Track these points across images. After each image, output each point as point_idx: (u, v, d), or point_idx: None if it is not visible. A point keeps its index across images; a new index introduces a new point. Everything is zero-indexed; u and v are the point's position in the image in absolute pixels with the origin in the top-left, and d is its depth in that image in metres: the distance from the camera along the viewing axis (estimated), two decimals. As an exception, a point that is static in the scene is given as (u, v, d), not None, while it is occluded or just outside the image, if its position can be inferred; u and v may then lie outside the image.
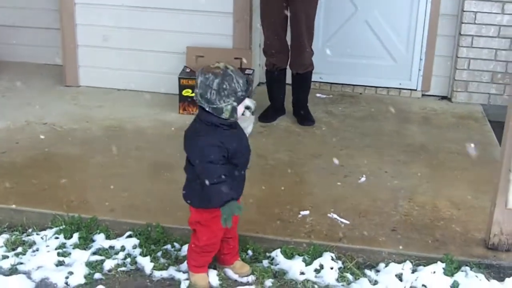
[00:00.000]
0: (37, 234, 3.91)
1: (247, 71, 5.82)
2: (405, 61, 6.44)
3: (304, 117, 5.62)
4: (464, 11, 6.03)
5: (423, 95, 6.46)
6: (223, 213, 2.98)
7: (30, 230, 3.96)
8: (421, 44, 6.34)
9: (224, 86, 2.95)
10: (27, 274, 3.54)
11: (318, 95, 6.41)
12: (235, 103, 3.00)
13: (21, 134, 5.34)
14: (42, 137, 5.22)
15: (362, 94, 6.47)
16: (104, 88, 6.43)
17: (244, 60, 5.85)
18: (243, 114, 4.74)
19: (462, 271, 3.51)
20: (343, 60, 6.52)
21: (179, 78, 5.77)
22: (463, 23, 6.07)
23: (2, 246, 3.78)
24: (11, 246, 3.78)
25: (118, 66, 6.39)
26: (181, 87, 5.77)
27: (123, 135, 5.37)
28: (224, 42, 6.07)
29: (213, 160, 3.00)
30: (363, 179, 4.54)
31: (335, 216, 4.01)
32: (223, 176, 2.99)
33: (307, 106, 5.71)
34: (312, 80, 6.13)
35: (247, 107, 4.96)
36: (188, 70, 5.93)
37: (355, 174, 4.62)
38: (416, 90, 6.47)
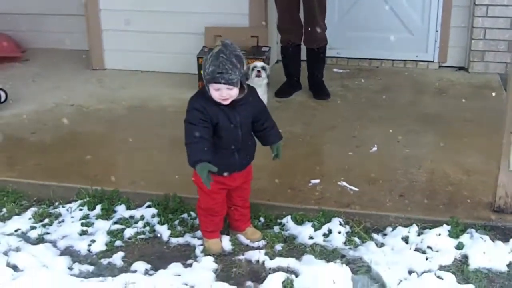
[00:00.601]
0: (62, 206, 4.14)
1: (263, 49, 5.99)
2: (421, 33, 6.56)
3: (319, 91, 5.76)
4: (478, -20, 6.10)
5: (440, 66, 6.56)
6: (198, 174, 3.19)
7: (56, 203, 4.19)
8: (437, 15, 6.46)
9: (204, 61, 3.21)
10: (53, 243, 3.76)
11: (335, 70, 6.55)
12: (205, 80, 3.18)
13: (49, 115, 5.61)
14: (66, 119, 5.43)
15: (379, 68, 6.59)
16: (128, 70, 6.69)
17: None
18: (258, 76, 4.94)
19: (467, 233, 3.61)
20: (359, 35, 6.67)
21: (198, 57, 5.97)
22: (477, -8, 6.14)
23: (30, 218, 4.01)
24: (39, 218, 4.01)
25: (140, 48, 6.64)
26: (200, 66, 5.95)
27: (146, 113, 5.59)
28: (241, 21, 6.26)
29: (192, 121, 3.21)
30: (374, 148, 4.67)
31: (344, 183, 4.16)
32: (195, 138, 3.19)
33: (322, 80, 5.84)
34: (329, 55, 6.31)
35: (263, 68, 5.06)
36: (206, 49, 6.11)
37: (367, 144, 4.75)
38: (433, 61, 6.58)
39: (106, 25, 6.72)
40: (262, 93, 4.88)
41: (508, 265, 3.36)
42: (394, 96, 5.80)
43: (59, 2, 7.40)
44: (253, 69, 5.04)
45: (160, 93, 6.01)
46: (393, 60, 6.64)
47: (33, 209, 4.12)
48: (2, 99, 5.72)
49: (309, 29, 5.58)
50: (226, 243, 3.63)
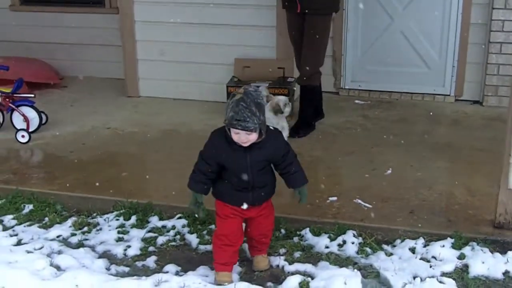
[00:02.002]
0: (100, 217, 4.54)
1: (289, 79, 6.39)
2: (439, 68, 6.89)
3: (294, 127, 5.92)
4: (492, 19, 6.48)
5: (456, 100, 6.89)
6: None
7: (94, 214, 4.59)
8: (454, 52, 6.79)
9: (226, 104, 3.43)
10: (92, 247, 4.15)
11: (356, 101, 6.93)
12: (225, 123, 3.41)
13: (87, 137, 6.06)
14: (105, 139, 5.87)
15: (398, 100, 6.94)
16: (161, 98, 7.11)
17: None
18: (281, 113, 5.33)
19: (469, 246, 3.93)
20: (380, 69, 7.02)
21: (227, 86, 6.38)
22: (492, 31, 6.51)
23: (70, 226, 4.42)
24: (78, 226, 4.41)
25: (173, 77, 7.07)
26: (229, 95, 6.34)
27: (177, 137, 6.00)
28: (268, 53, 6.67)
29: (203, 155, 3.58)
30: (389, 171, 5.02)
31: (359, 201, 4.52)
32: (197, 171, 3.59)
33: (302, 118, 6.05)
34: (351, 87, 6.72)
35: (285, 104, 5.43)
36: (235, 79, 6.54)
37: (383, 167, 5.09)
38: (449, 95, 6.91)
39: (141, 55, 7.17)
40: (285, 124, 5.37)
41: (504, 273, 3.69)
42: (411, 126, 6.15)
43: (96, 33, 7.89)
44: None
45: (191, 119, 6.42)
46: (411, 93, 6.98)
47: (73, 218, 4.53)
48: (43, 121, 6.16)
49: (300, 66, 5.94)
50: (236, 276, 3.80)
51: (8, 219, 4.53)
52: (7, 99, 6.04)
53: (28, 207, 4.67)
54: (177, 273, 3.79)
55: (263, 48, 6.69)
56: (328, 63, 6.87)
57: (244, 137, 3.37)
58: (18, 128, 5.91)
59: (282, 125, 5.34)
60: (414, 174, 4.99)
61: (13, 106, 5.97)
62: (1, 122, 6.19)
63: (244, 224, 3.75)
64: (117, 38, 7.42)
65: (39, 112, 6.08)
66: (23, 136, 5.86)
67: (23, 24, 8.05)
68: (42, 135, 6.05)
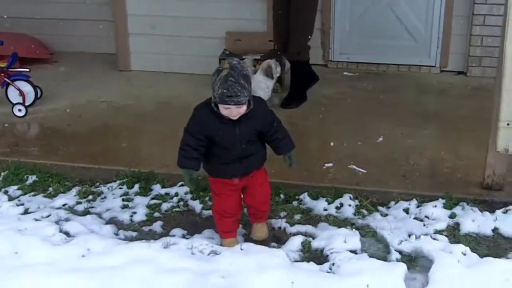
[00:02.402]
0: (103, 186, 4.69)
1: (279, 52, 6.52)
2: (425, 40, 7.07)
3: (285, 99, 6.15)
4: (476, -8, 6.65)
5: (441, 71, 7.08)
6: None
7: (97, 184, 4.73)
8: (439, 24, 6.96)
9: (212, 80, 3.39)
10: (98, 215, 4.31)
11: (345, 73, 7.10)
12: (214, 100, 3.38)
13: (83, 110, 6.17)
14: (101, 112, 6.00)
15: (386, 72, 7.12)
16: (153, 72, 7.21)
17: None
18: (271, 75, 5.51)
19: (459, 206, 4.16)
20: (368, 41, 7.17)
21: (219, 59, 6.50)
22: (475, 3, 6.68)
23: (75, 195, 4.55)
24: (83, 195, 4.55)
25: (165, 51, 7.16)
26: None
27: (171, 109, 6.12)
28: (259, 27, 6.79)
29: (189, 130, 3.53)
30: (380, 139, 5.21)
31: (354, 166, 4.71)
32: (186, 147, 3.51)
33: (293, 90, 6.22)
34: (340, 60, 6.90)
35: (276, 65, 5.73)
36: (227, 52, 6.66)
37: (374, 135, 5.28)
38: (435, 66, 7.10)
39: (132, 29, 7.26)
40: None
41: (493, 230, 3.93)
42: (399, 96, 6.33)
43: (87, 8, 7.93)
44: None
45: (184, 92, 6.54)
46: (398, 65, 7.15)
47: (77, 188, 4.67)
48: (38, 95, 6.25)
49: (287, 41, 6.06)
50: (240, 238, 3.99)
51: (13, 190, 4.66)
52: (2, 74, 6.10)
53: (32, 178, 4.79)
54: (183, 236, 3.97)
55: (254, 22, 6.82)
56: (316, 36, 7.03)
57: (235, 111, 3.37)
58: (14, 102, 5.99)
59: (269, 86, 5.73)
60: (405, 141, 5.19)
61: (9, 81, 6.05)
62: (-3, 96, 6.29)
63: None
64: (106, 13, 7.48)
65: (34, 86, 6.16)
66: (19, 110, 5.95)
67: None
68: (38, 109, 6.14)
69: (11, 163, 4.97)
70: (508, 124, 3.99)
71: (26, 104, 6.01)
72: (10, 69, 6.14)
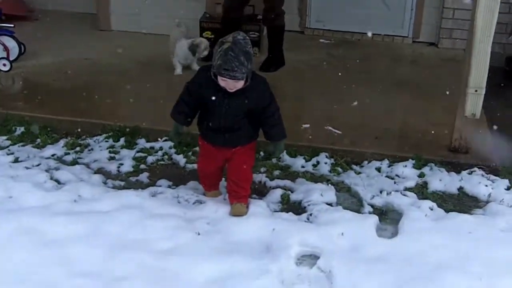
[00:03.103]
0: (90, 139, 4.88)
1: (258, 17, 6.71)
2: (398, 11, 7.32)
3: (264, 63, 6.34)
4: (450, -34, 6.91)
5: (413, 41, 7.35)
6: None
7: (84, 136, 4.92)
8: (413, -5, 7.22)
9: (214, 50, 3.48)
10: (86, 165, 4.51)
11: (321, 40, 7.33)
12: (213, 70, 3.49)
13: (67, 66, 6.31)
14: (85, 69, 6.18)
15: (360, 40, 7.37)
16: (133, 32, 7.33)
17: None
18: (194, 55, 5.96)
19: (428, 166, 4.46)
20: (343, 10, 7.39)
21: (200, 21, 6.68)
22: (449, -23, 6.95)
23: (63, 147, 4.75)
24: (70, 146, 4.75)
25: (145, 12, 7.27)
26: (202, 30, 6.69)
27: (153, 68, 6.32)
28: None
29: (189, 87, 3.68)
30: (355, 103, 5.45)
31: (330, 128, 4.97)
32: (181, 101, 3.70)
33: (272, 55, 6.43)
34: (316, 27, 7.12)
35: (206, 48, 6.07)
36: (207, 15, 6.83)
37: (349, 100, 5.51)
38: (407, 37, 7.36)
39: (113, -10, 7.39)
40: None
41: (458, 189, 4.26)
42: (373, 64, 6.60)
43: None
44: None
45: (164, 52, 6.66)
46: (372, 34, 7.39)
47: (64, 140, 4.85)
48: (22, 51, 6.37)
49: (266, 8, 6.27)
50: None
51: (2, 140, 4.84)
52: (-14, 29, 6.21)
53: (20, 129, 4.97)
54: (169, 187, 4.20)
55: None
56: (294, 3, 7.26)
57: (231, 85, 3.46)
58: (-1, 57, 6.12)
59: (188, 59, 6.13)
60: (378, 106, 5.45)
61: (-7, 36, 6.16)
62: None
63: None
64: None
65: (18, 42, 6.29)
66: (4, 65, 6.08)
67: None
68: (23, 64, 6.28)
69: (-1, 115, 5.13)
70: (476, 91, 4.26)
71: (11, 59, 6.13)
72: (-6, 25, 6.25)
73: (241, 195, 3.85)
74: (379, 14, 7.34)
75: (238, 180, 3.84)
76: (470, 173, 4.39)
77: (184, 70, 6.21)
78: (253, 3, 6.78)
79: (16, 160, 4.52)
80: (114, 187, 4.19)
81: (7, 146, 4.75)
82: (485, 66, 4.23)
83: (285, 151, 4.56)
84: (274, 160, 4.54)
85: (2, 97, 5.59)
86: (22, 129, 4.97)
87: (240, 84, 3.48)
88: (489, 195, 4.15)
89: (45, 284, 3.07)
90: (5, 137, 4.87)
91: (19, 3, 7.81)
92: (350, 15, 7.38)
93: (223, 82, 3.47)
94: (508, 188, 4.23)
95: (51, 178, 4.21)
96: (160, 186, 4.19)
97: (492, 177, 4.35)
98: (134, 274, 3.18)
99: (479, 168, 4.45)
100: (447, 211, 3.92)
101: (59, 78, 5.98)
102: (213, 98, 3.55)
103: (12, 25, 6.34)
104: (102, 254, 3.33)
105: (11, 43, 6.22)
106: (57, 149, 4.70)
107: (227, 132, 3.67)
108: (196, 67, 6.15)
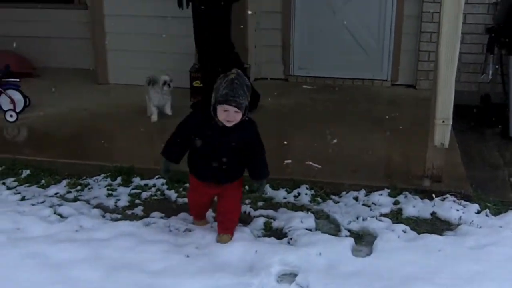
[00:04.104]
0: (90, 178, 5.27)
1: (244, 66, 7.17)
2: (377, 56, 7.86)
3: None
4: (423, 11, 7.45)
5: (392, 84, 7.83)
6: None
7: (84, 177, 5.30)
8: (390, 41, 7.76)
9: (217, 83, 3.68)
10: (87, 201, 4.88)
11: (304, 86, 7.82)
12: (214, 101, 3.68)
13: (68, 116, 6.81)
14: (84, 118, 6.62)
15: (342, 85, 7.86)
16: (129, 85, 7.80)
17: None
18: (153, 84, 6.41)
19: (402, 194, 4.82)
20: (325, 57, 7.92)
21: (190, 72, 7.15)
22: (423, 21, 7.48)
23: (65, 186, 5.13)
24: (72, 186, 5.13)
25: (140, 66, 7.73)
26: (192, 79, 7.16)
27: (147, 116, 6.72)
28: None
29: (181, 127, 3.90)
30: (335, 141, 5.86)
31: (311, 162, 5.35)
32: (172, 140, 3.95)
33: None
34: (300, 74, 7.73)
35: (165, 82, 6.49)
36: (196, 66, 7.29)
37: (329, 138, 5.90)
38: (386, 80, 7.87)
39: (111, 46, 7.89)
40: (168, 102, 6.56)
41: (431, 214, 4.60)
42: (353, 106, 7.06)
43: (67, 26, 8.54)
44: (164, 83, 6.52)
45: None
46: (353, 78, 7.90)
47: (66, 180, 5.24)
48: (27, 103, 6.85)
49: None
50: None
51: (10, 181, 5.23)
52: (-5, 83, 6.70)
53: (26, 172, 5.35)
54: (161, 218, 4.56)
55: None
56: (278, 52, 7.77)
57: (232, 115, 3.62)
58: (6, 109, 6.60)
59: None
60: (357, 143, 5.86)
61: (1, 89, 6.65)
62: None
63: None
64: (84, 31, 8.09)
65: (24, 95, 6.77)
66: (11, 116, 6.56)
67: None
68: (28, 116, 6.76)
69: (7, 160, 5.54)
70: (443, 122, 4.69)
71: (17, 110, 6.60)
72: (2, 79, 6.75)
73: (229, 227, 4.13)
74: (359, 60, 7.85)
75: (226, 212, 4.13)
76: (442, 200, 4.73)
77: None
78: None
79: (23, 199, 4.89)
80: (112, 219, 4.55)
81: (15, 187, 5.14)
82: (450, 98, 4.64)
83: (268, 184, 4.91)
84: (258, 193, 4.91)
85: (10, 144, 6.08)
86: (28, 171, 5.36)
87: (239, 117, 3.66)
88: (460, 218, 4.48)
89: (51, 300, 3.42)
90: (12, 179, 5.26)
91: (25, 61, 8.32)
92: (331, 61, 7.90)
93: (224, 114, 3.63)
94: (478, 212, 4.57)
95: (55, 213, 4.58)
96: (153, 217, 4.55)
97: (464, 202, 4.69)
98: (128, 292, 3.54)
99: (451, 194, 4.79)
100: (419, 233, 4.26)
101: (61, 127, 6.44)
102: (207, 136, 3.76)
103: (18, 80, 6.83)
104: (101, 274, 3.67)
105: (17, 96, 6.71)
106: (60, 188, 5.08)
107: (218, 170, 3.87)
108: (169, 111, 6.62)
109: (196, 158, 3.94)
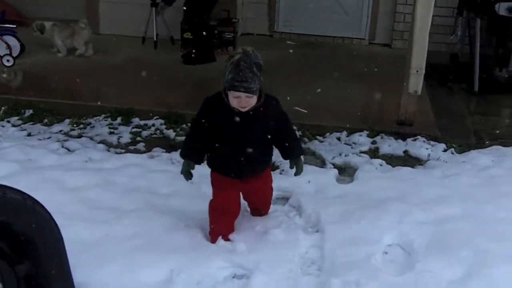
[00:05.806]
0: (91, 118, 5.64)
1: (233, 20, 7.57)
2: (356, 16, 8.27)
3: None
4: (401, -25, 7.88)
5: (370, 43, 8.28)
6: None
7: (85, 117, 5.67)
8: (368, 2, 8.17)
9: (225, 67, 3.19)
10: (90, 138, 5.27)
11: (288, 42, 8.21)
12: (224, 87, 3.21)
13: (65, 61, 7.20)
14: (80, 64, 6.98)
15: (323, 42, 8.28)
16: (120, 35, 8.11)
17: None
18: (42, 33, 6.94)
19: (379, 136, 5.34)
20: (308, 15, 8.30)
21: (180, 24, 7.49)
22: (400, -16, 7.91)
23: (68, 124, 5.51)
24: (74, 124, 5.50)
25: (131, 17, 8.04)
26: (182, 31, 7.49)
27: (142, 64, 7.06)
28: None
29: (197, 119, 3.36)
30: (319, 90, 6.31)
31: (297, 108, 5.80)
32: (191, 136, 3.46)
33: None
34: (284, 31, 8.03)
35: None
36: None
37: (314, 87, 6.36)
38: (364, 39, 8.30)
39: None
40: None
41: (404, 152, 5.14)
42: (334, 61, 7.50)
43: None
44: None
45: (150, 51, 7.65)
46: (333, 36, 8.33)
47: (68, 119, 5.61)
48: (23, 50, 7.15)
49: None
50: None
51: (14, 120, 5.59)
52: (-9, 29, 6.95)
53: (29, 112, 5.71)
54: (163, 152, 4.97)
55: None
56: (264, 9, 8.14)
57: (244, 101, 3.17)
58: (2, 54, 6.87)
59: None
60: (338, 92, 6.34)
61: (-3, 35, 6.92)
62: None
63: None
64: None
65: (19, 41, 7.04)
66: (8, 61, 6.85)
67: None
68: (24, 61, 7.07)
69: (9, 100, 5.87)
70: (417, 71, 5.18)
71: (13, 55, 6.89)
72: (-1, 25, 7.00)
73: (265, 210, 3.92)
74: (340, 19, 8.28)
75: (256, 204, 3.87)
76: (414, 140, 5.26)
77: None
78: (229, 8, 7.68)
79: (29, 135, 5.26)
80: (117, 153, 4.96)
81: (20, 125, 5.49)
82: (423, 51, 5.15)
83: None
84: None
85: (9, 87, 6.36)
86: (31, 111, 5.71)
87: (253, 101, 3.21)
88: (429, 155, 5.03)
89: (73, 214, 3.79)
90: (16, 118, 5.61)
91: (15, 11, 8.54)
92: (314, 20, 8.30)
93: (235, 100, 3.18)
94: (444, 150, 5.10)
95: (62, 147, 4.97)
96: (156, 152, 4.96)
97: (432, 142, 5.23)
98: (142, 208, 3.94)
99: (421, 136, 5.32)
100: (394, 166, 4.78)
101: (57, 72, 6.76)
102: (227, 124, 3.28)
103: (14, 25, 7.09)
104: (115, 195, 4.08)
105: (13, 42, 6.98)
106: (63, 126, 5.46)
107: (244, 160, 3.37)
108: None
109: (218, 152, 3.41)
